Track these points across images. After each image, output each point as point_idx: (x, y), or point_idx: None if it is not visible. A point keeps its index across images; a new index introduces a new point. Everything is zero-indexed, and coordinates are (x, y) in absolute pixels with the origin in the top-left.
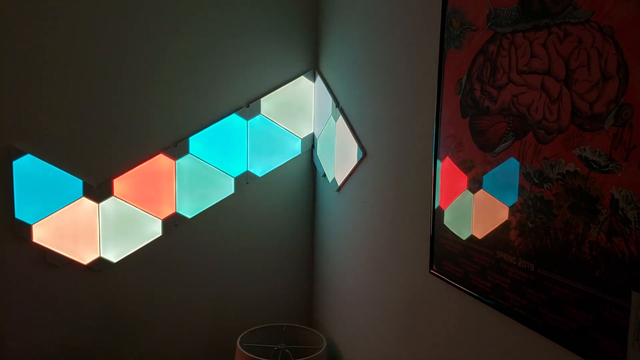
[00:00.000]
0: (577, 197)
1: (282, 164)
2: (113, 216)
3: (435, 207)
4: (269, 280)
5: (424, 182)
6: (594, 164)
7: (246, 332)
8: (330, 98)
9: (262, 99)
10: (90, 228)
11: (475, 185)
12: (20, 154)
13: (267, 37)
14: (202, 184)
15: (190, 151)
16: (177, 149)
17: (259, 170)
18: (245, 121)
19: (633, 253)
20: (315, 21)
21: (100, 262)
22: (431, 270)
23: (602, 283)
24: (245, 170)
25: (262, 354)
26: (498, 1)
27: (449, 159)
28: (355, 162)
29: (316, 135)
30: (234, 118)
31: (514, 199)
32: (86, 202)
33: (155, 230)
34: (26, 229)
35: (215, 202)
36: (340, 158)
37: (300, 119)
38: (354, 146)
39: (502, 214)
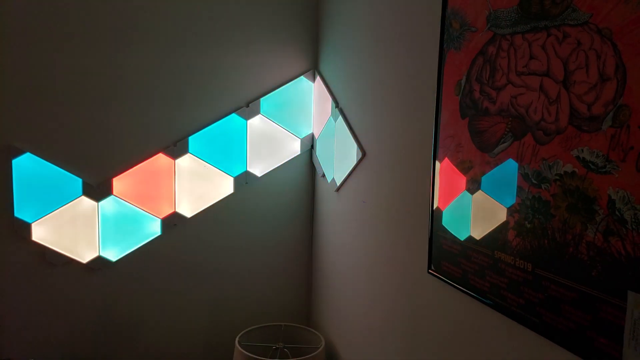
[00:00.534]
0: (575, 197)
1: (281, 164)
2: (112, 215)
3: (434, 207)
4: (267, 279)
5: (423, 183)
6: (591, 164)
7: (245, 331)
8: (329, 98)
9: (261, 99)
10: (89, 227)
11: (473, 186)
12: (19, 152)
13: (267, 37)
14: (201, 184)
15: (190, 151)
16: (177, 149)
17: (258, 170)
18: (245, 121)
19: (629, 253)
20: (315, 21)
21: (100, 261)
22: (429, 270)
23: (599, 283)
24: (245, 170)
25: (261, 353)
26: (498, 3)
27: (448, 160)
28: (354, 162)
29: (315, 136)
30: (234, 118)
31: (512, 199)
32: (85, 201)
33: (154, 229)
34: (25, 227)
35: (214, 202)
36: (339, 158)
37: (300, 119)
38: (353, 146)
39: (500, 214)
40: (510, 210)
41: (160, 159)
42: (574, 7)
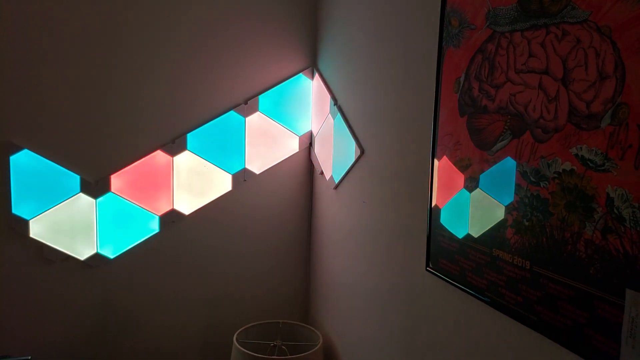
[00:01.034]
0: (573, 195)
1: (279, 161)
2: (110, 212)
3: (432, 205)
4: (266, 276)
5: (421, 180)
6: (590, 162)
7: (243, 328)
8: (328, 96)
9: (260, 96)
10: (87, 224)
11: (472, 184)
12: (17, 149)
13: (265, 34)
14: (199, 181)
15: (188, 148)
16: (175, 146)
17: (256, 168)
18: (243, 118)
19: (627, 251)
20: (314, 18)
21: (97, 258)
22: (427, 268)
23: (597, 281)
24: (243, 167)
25: (259, 350)
26: (497, 0)
27: (446, 158)
28: (352, 160)
29: (314, 133)
30: (232, 115)
31: (510, 197)
32: (83, 198)
33: (152, 226)
34: (23, 224)
35: (212, 199)
36: (337, 156)
37: (298, 116)
38: (352, 144)
39: (498, 212)
40: (509, 208)
41: (159, 156)
42: (573, 4)
